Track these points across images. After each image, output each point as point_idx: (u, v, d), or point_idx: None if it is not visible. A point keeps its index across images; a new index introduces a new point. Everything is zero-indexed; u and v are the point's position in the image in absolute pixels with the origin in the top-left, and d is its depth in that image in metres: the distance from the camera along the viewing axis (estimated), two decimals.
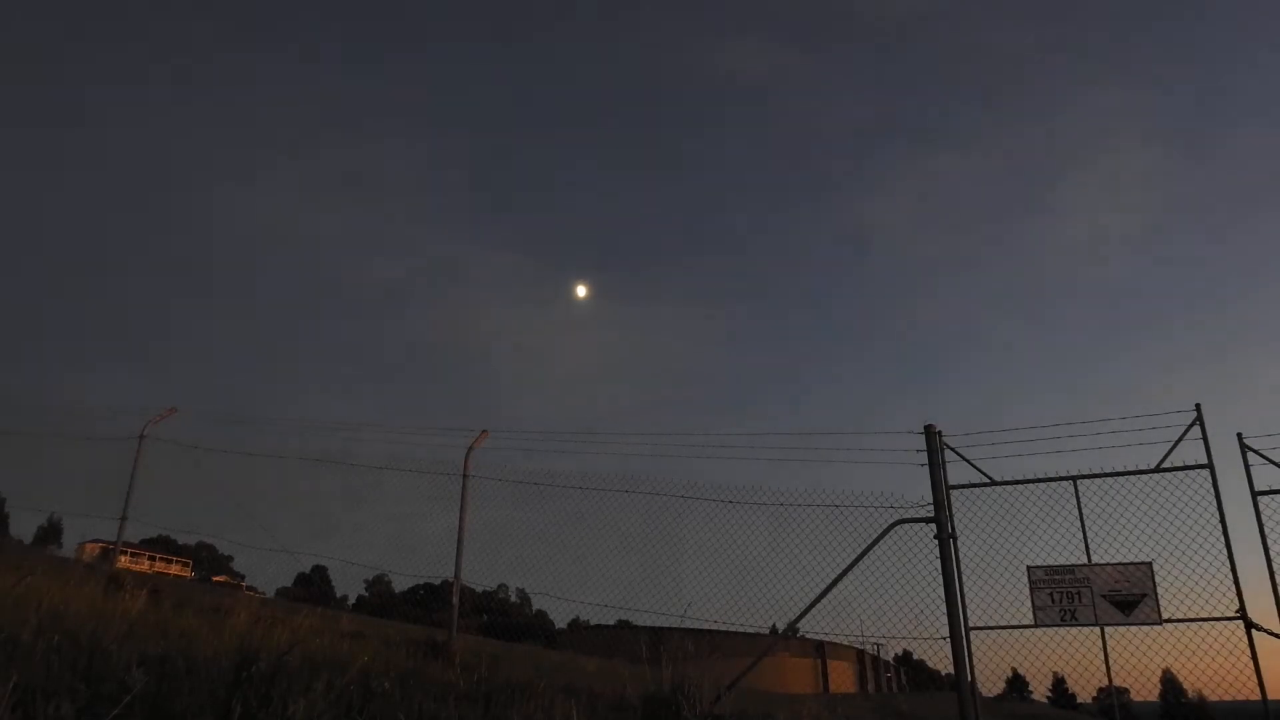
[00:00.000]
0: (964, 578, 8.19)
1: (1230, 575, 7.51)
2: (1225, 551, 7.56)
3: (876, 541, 8.39)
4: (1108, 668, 7.82)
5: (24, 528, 17.14)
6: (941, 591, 8.08)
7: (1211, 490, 7.82)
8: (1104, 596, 7.91)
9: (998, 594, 8.22)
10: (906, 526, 8.44)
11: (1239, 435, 7.99)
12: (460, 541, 10.76)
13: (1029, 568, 8.22)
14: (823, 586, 8.38)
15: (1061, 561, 8.14)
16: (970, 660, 7.86)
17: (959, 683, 7.81)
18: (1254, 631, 7.31)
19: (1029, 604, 8.10)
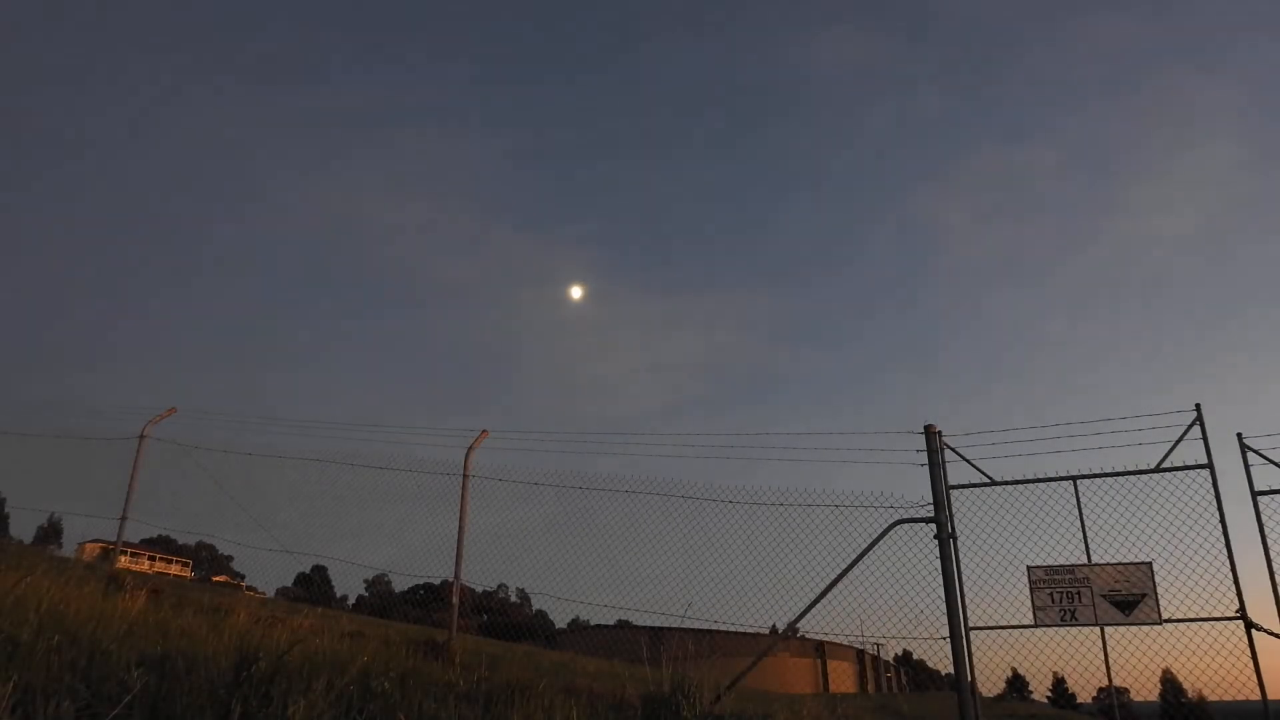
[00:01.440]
0: (964, 578, 8.19)
1: (1230, 575, 7.50)
2: (1225, 551, 7.56)
3: (876, 541, 8.39)
4: (1108, 668, 7.82)
5: (24, 528, 17.14)
6: (941, 591, 8.08)
7: (1211, 490, 7.82)
8: (1104, 596, 7.90)
9: (998, 594, 8.23)
10: (906, 526, 8.44)
11: (1239, 435, 7.99)
12: (460, 541, 10.76)
13: (1029, 568, 8.22)
14: (823, 586, 8.38)
15: (1061, 561, 8.14)
16: (970, 660, 7.86)
17: (959, 683, 7.81)
18: (1254, 631, 7.31)
19: (1029, 604, 8.10)
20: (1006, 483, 8.55)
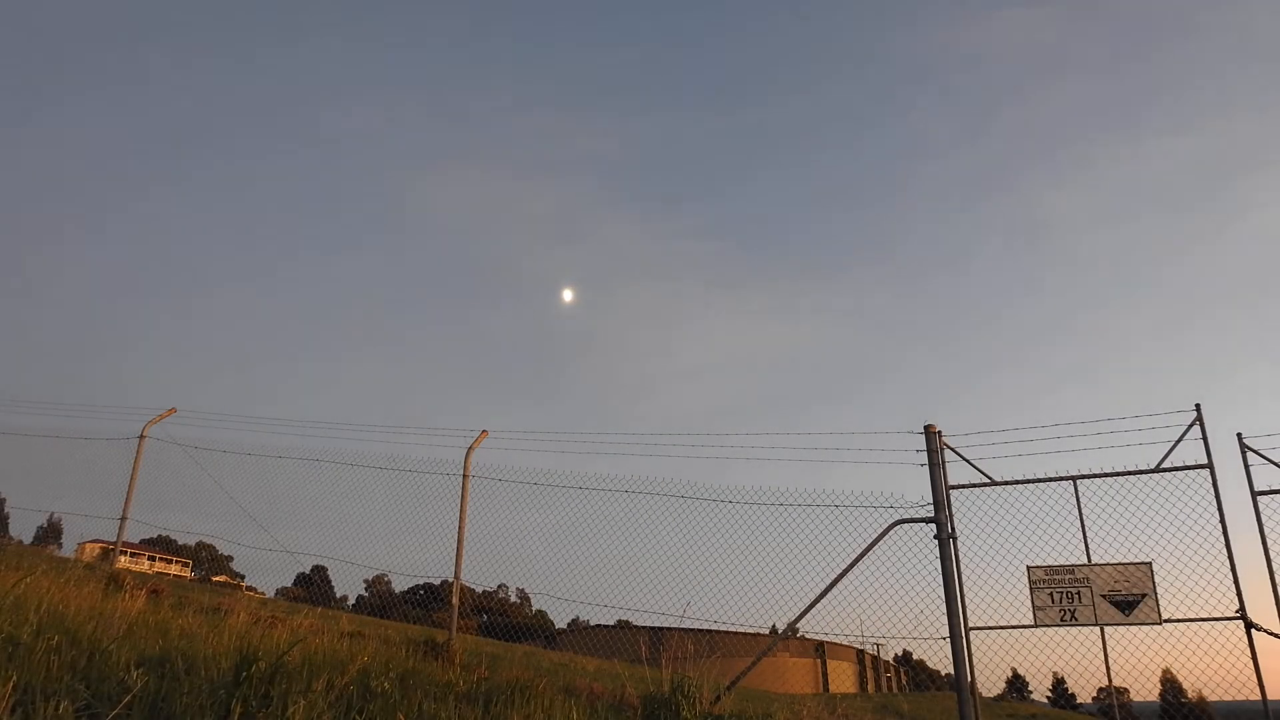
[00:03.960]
0: (964, 578, 8.19)
1: (1230, 575, 7.51)
2: (1225, 551, 7.56)
3: (876, 541, 8.39)
4: (1108, 668, 7.82)
5: (24, 528, 17.15)
6: (941, 591, 8.08)
7: (1211, 490, 7.82)
8: (1104, 596, 7.90)
9: (998, 594, 8.22)
10: (906, 526, 8.44)
11: (1239, 435, 7.99)
12: (460, 541, 10.76)
13: (1029, 568, 8.22)
14: (823, 586, 8.38)
15: (1061, 561, 8.14)
16: (970, 660, 7.86)
17: (959, 683, 7.81)
18: (1254, 631, 7.31)
19: (1029, 604, 8.10)
20: (1006, 483, 8.55)
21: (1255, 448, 7.93)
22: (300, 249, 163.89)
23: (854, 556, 8.39)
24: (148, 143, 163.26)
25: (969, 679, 7.78)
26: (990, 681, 8.11)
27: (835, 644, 44.87)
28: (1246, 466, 7.89)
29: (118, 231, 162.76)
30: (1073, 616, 7.93)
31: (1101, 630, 7.88)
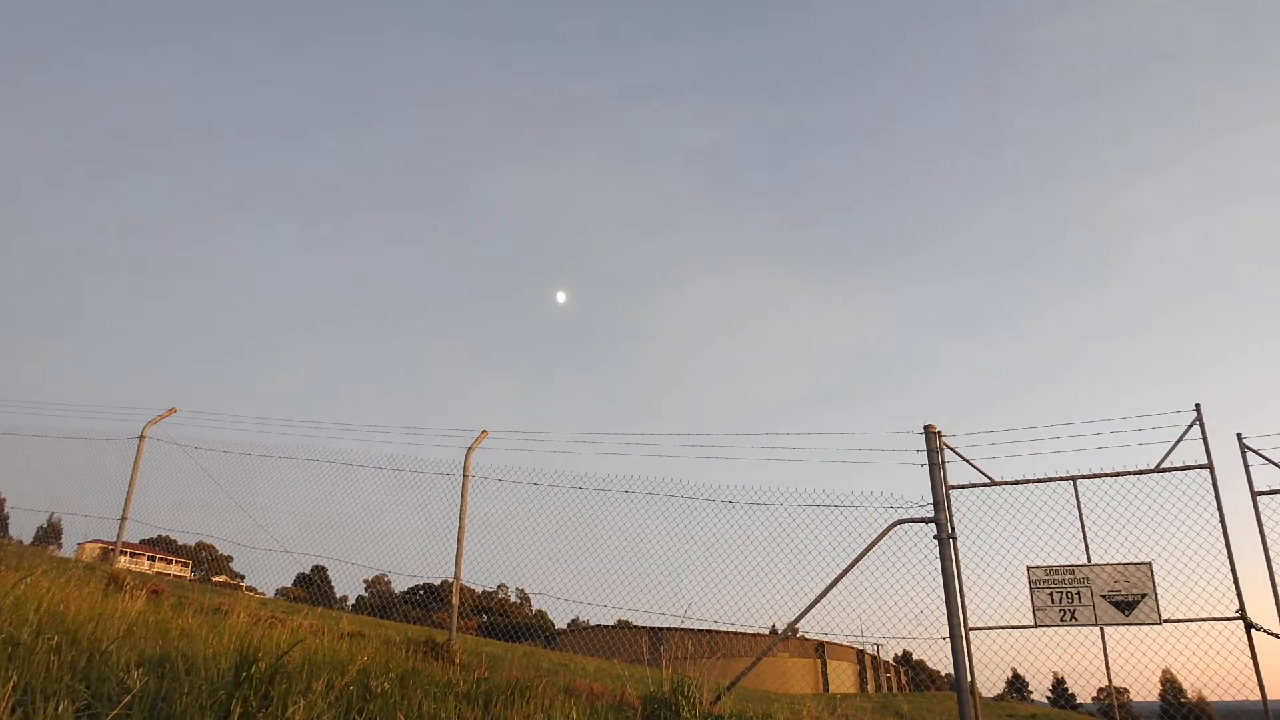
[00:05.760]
0: (964, 578, 8.19)
1: (1230, 575, 7.51)
2: (1225, 551, 7.56)
3: (876, 541, 8.39)
4: (1107, 668, 7.82)
5: (24, 528, 17.14)
6: (941, 591, 8.09)
7: (1211, 490, 7.82)
8: (1104, 596, 7.90)
9: (998, 594, 8.23)
10: (906, 526, 8.44)
11: (1239, 435, 7.99)
12: (460, 542, 10.76)
13: (1029, 568, 8.22)
14: (823, 586, 8.39)
15: (1061, 561, 8.14)
16: (970, 660, 7.86)
17: (959, 683, 7.81)
18: (1254, 631, 7.31)
19: (1029, 604, 8.10)
20: (1006, 483, 8.55)
21: (1255, 448, 7.93)
22: (310, 255, 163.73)
23: (854, 556, 8.40)
24: (149, 142, 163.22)
25: (969, 679, 7.79)
26: (990, 681, 8.12)
27: (835, 644, 44.89)
28: (1246, 466, 7.89)
29: (118, 231, 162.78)
30: (1073, 616, 7.93)
31: (1101, 630, 7.88)
